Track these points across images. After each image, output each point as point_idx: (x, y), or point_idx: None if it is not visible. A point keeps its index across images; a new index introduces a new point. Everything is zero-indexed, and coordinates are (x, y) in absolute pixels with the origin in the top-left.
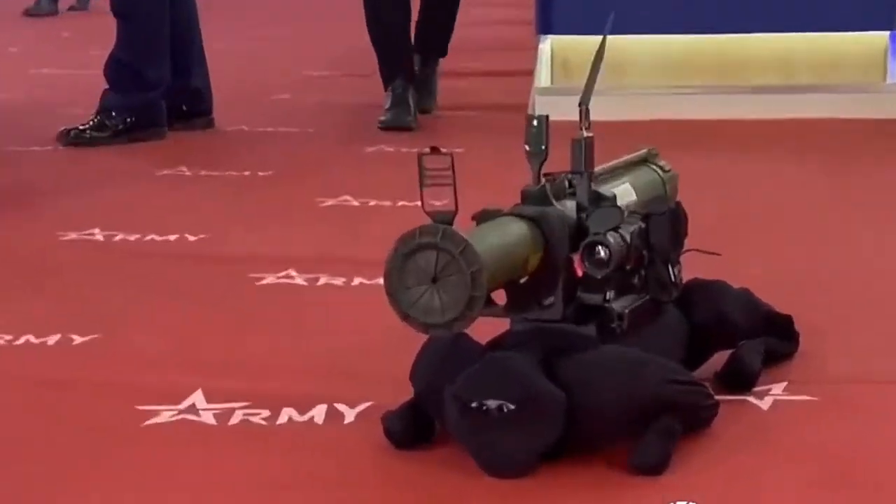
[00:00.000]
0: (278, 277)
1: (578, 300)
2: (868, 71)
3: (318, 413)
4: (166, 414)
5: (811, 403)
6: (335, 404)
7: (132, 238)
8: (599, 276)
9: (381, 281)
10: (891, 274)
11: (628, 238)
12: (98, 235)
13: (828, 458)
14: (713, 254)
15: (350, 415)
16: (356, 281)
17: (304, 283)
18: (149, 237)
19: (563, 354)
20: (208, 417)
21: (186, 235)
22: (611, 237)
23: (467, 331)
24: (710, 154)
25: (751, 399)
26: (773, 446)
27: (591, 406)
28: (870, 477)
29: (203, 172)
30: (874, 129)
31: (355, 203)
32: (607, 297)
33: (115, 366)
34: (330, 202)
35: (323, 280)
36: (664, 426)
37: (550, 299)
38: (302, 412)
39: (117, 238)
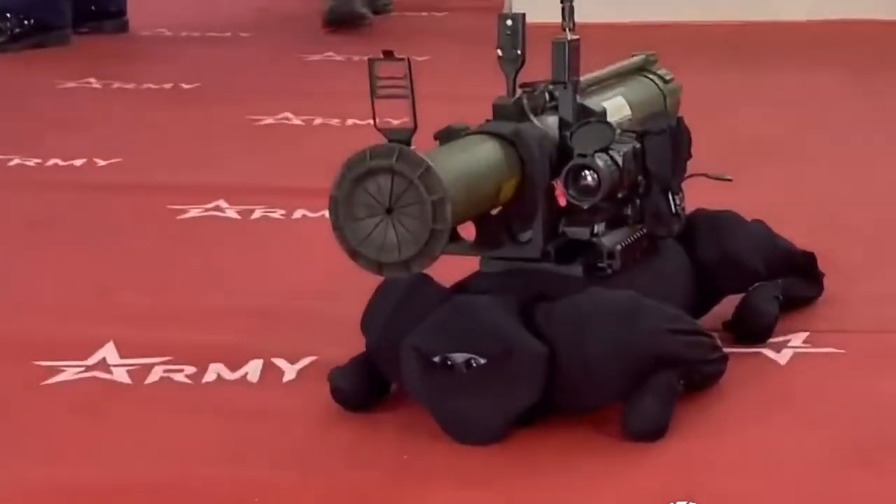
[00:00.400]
0: (205, 210)
1: (561, 235)
2: None
3: (253, 370)
4: (71, 371)
5: (837, 357)
6: (272, 359)
7: (31, 163)
8: (586, 206)
9: (326, 213)
10: None
11: (620, 161)
12: None
13: (857, 421)
14: (723, 179)
15: (290, 371)
16: (297, 213)
17: (237, 217)
18: (51, 162)
19: (543, 300)
20: (121, 375)
21: (95, 160)
22: (600, 160)
23: (429, 272)
24: (718, 63)
25: (766, 352)
26: (792, 408)
27: (577, 361)
28: None
29: (115, 85)
30: None
31: (297, 121)
32: (595, 231)
33: (10, 315)
34: (267, 120)
35: (258, 213)
36: (662, 384)
37: (528, 234)
38: (233, 369)
39: (12, 163)
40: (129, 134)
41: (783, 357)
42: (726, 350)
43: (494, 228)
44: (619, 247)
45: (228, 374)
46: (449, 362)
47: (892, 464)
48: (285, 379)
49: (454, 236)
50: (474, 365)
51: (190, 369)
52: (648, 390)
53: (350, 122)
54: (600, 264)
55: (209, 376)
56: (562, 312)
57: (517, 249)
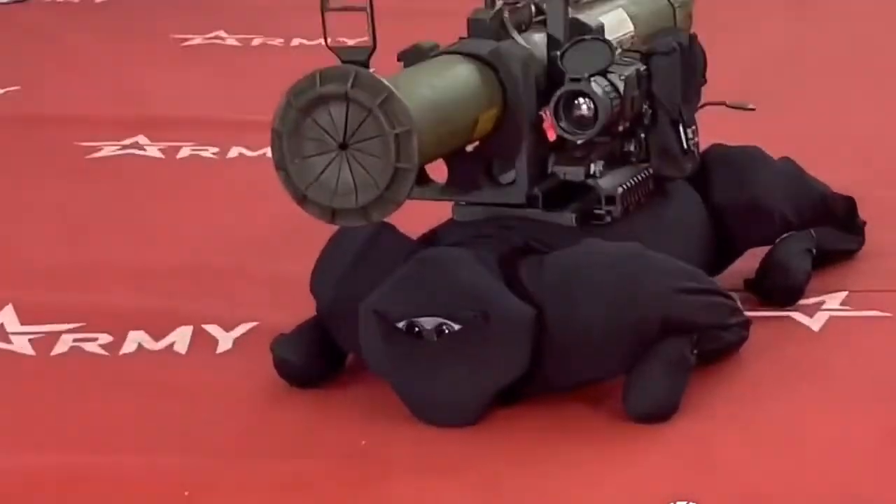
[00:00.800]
0: (122, 147)
1: (551, 176)
2: None
3: (181, 338)
4: None
5: (880, 321)
6: (204, 326)
7: None
8: (580, 142)
9: (267, 150)
10: None
11: (621, 86)
12: None
13: None
14: (745, 109)
15: (225, 340)
16: (233, 151)
17: (159, 156)
18: None
19: (528, 254)
20: (23, 345)
21: None
22: (596, 85)
23: (391, 220)
24: None
25: (796, 316)
26: (826, 382)
27: (570, 326)
28: None
29: None
30: None
31: (231, 41)
32: (592, 172)
33: None
34: (195, 40)
35: (186, 151)
36: (672, 354)
37: (510, 175)
38: (157, 337)
39: None
40: (29, 57)
41: (816, 322)
42: (748, 313)
43: (470, 168)
44: (619, 189)
45: (151, 344)
46: (416, 329)
47: None
48: (219, 349)
49: (422, 177)
50: (446, 332)
51: (105, 338)
52: (655, 362)
53: (296, 41)
54: (597, 210)
55: (128, 346)
56: (551, 268)
57: (497, 193)
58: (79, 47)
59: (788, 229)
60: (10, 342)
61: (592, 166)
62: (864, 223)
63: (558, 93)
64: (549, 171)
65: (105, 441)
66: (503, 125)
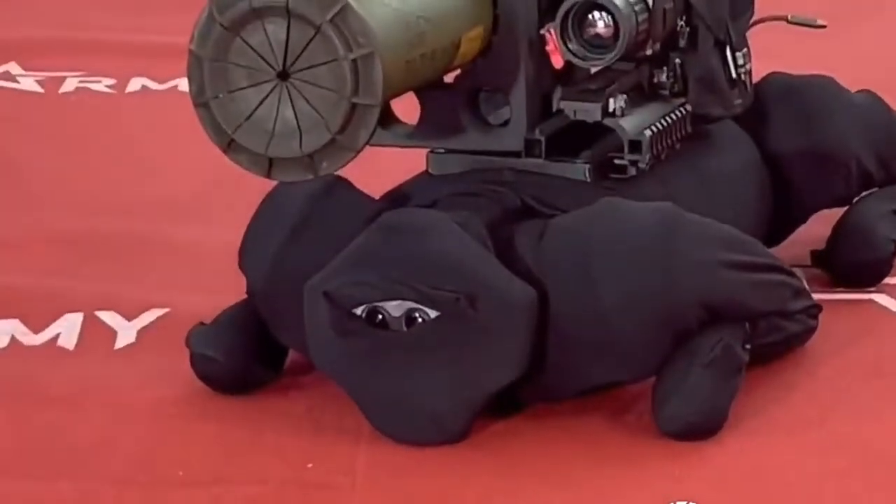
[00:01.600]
0: None
1: (557, 115)
2: None
3: (67, 329)
4: None
5: None
6: (97, 313)
7: None
8: (596, 69)
9: (181, 82)
10: None
11: None
12: None
13: None
14: (813, 26)
15: (126, 332)
16: (134, 83)
17: (37, 89)
18: None
19: (528, 217)
20: None
21: None
22: None
23: (346, 174)
24: None
25: (880, 299)
26: None
27: (584, 313)
28: None
29: None
30: None
31: None
32: (611, 109)
33: None
34: None
35: (72, 83)
36: (717, 349)
37: (503, 113)
38: (36, 328)
39: None
40: None
41: None
42: (817, 296)
43: (451, 105)
44: (647, 133)
45: (28, 337)
46: (380, 316)
47: None
48: (119, 343)
49: (387, 117)
50: (420, 320)
51: None
52: (695, 360)
53: None
54: (618, 161)
55: (0, 340)
56: (558, 237)
57: (486, 137)
58: None
59: (869, 185)
60: None
61: (612, 102)
62: None
63: (567, 4)
64: (555, 108)
65: None
66: (493, 47)
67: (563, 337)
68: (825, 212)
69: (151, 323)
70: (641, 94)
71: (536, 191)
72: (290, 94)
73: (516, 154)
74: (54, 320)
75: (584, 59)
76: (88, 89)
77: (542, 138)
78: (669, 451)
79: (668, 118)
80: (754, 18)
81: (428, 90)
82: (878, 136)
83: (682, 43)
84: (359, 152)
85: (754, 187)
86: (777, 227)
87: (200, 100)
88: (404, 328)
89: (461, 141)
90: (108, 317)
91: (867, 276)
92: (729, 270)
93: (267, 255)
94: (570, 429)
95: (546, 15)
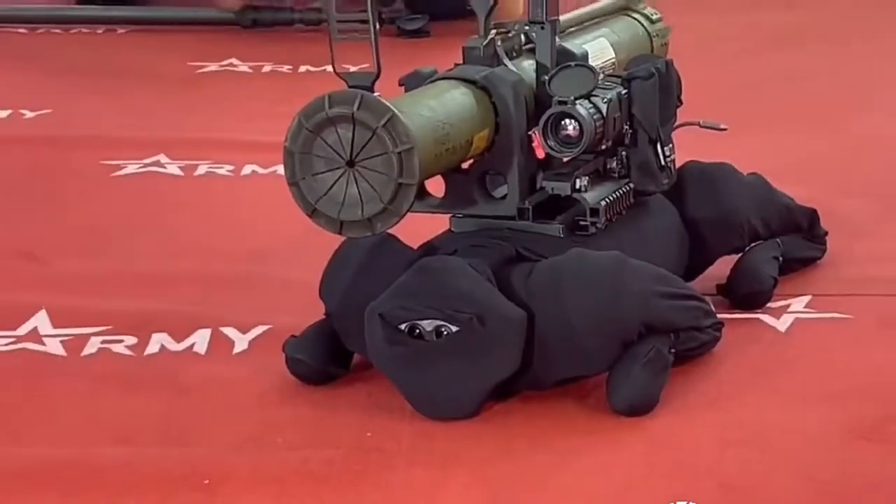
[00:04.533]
0: (144, 166)
1: (540, 191)
2: None
3: (200, 340)
4: (0, 342)
5: (841, 323)
6: (221, 329)
7: None
8: (566, 159)
9: (279, 168)
10: None
11: (604, 109)
12: None
13: (862, 394)
14: (717, 129)
15: (241, 342)
16: (247, 169)
17: (179, 173)
18: None
19: (520, 262)
20: (55, 346)
21: (22, 111)
22: (581, 107)
23: (394, 232)
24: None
25: (764, 318)
26: (792, 380)
27: (558, 328)
28: None
29: (41, 29)
30: None
31: (244, 68)
32: (577, 186)
33: None
34: (211, 67)
35: (203, 168)
36: (651, 353)
37: (502, 189)
38: (178, 339)
39: None
40: (60, 83)
41: (783, 323)
42: (721, 316)
43: (466, 184)
44: (602, 202)
45: (173, 345)
46: (417, 331)
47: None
48: (236, 350)
49: (422, 192)
50: (445, 333)
51: (131, 340)
52: (636, 360)
53: (303, 68)
54: (582, 222)
55: (152, 347)
56: (541, 275)
57: (491, 206)
58: (103, 74)
59: (757, 239)
60: (43, 344)
61: (578, 181)
62: (826, 233)
63: (547, 114)
64: (539, 186)
65: (129, 434)
66: (496, 144)
67: (544, 345)
68: (726, 258)
69: (259, 335)
70: (598, 177)
71: (525, 243)
72: (355, 177)
73: (512, 218)
74: (191, 333)
75: (558, 151)
76: (214, 173)
77: (530, 207)
78: (619, 423)
79: (617, 193)
80: (676, 123)
81: (450, 174)
82: (762, 204)
83: (626, 141)
84: (403, 217)
85: (677, 240)
86: (692, 268)
87: (293, 181)
88: (434, 339)
89: (473, 209)
90: (229, 331)
91: (755, 303)
92: (661, 298)
93: (339, 288)
94: (549, 408)
95: (532, 121)
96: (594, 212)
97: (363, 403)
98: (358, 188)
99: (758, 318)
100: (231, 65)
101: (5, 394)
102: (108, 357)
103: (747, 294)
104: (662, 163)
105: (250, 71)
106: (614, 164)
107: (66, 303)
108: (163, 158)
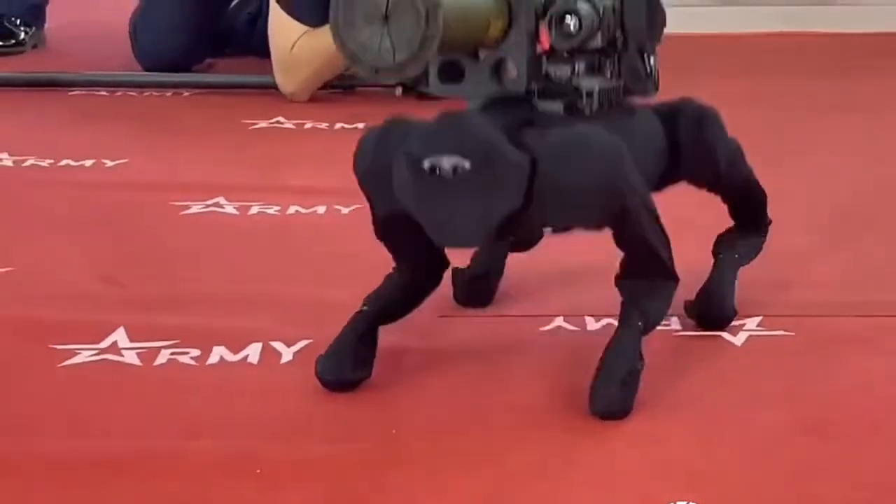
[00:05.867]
0: (206, 206)
1: (544, 77)
2: None
3: (253, 352)
4: (85, 354)
5: (786, 339)
6: (271, 342)
7: (44, 164)
8: (567, 49)
9: (318, 209)
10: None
11: (601, 11)
12: (6, 161)
13: (804, 397)
14: None
15: (287, 354)
16: (291, 209)
17: (235, 213)
18: (63, 163)
19: (527, 125)
20: (132, 357)
21: (104, 161)
22: (582, 6)
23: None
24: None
25: (724, 335)
26: (746, 386)
27: (557, 181)
28: (852, 422)
29: (119, 92)
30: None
31: (289, 125)
32: (575, 71)
33: (29, 301)
34: (261, 124)
35: (255, 208)
36: (625, 368)
37: (514, 71)
38: (235, 351)
39: (27, 163)
40: (137, 137)
41: (739, 339)
42: (687, 333)
43: (481, 71)
44: (596, 87)
45: (230, 356)
46: (437, 169)
47: (834, 430)
48: (283, 360)
49: (452, 70)
50: (460, 170)
51: (195, 352)
52: (612, 375)
53: (338, 126)
54: (579, 105)
55: (213, 358)
56: (554, 136)
57: (503, 88)
58: (171, 130)
59: (719, 181)
60: (122, 356)
61: (576, 66)
62: (770, 221)
63: (552, 10)
64: (543, 72)
65: (193, 431)
66: (508, 36)
67: (541, 191)
68: (694, 279)
69: (302, 348)
70: (593, 71)
71: (532, 116)
72: (388, 31)
73: (521, 97)
74: (246, 346)
75: (560, 43)
76: (265, 212)
77: (535, 88)
78: (598, 424)
79: (608, 85)
80: (659, 41)
81: (468, 63)
82: (734, 161)
83: (619, 46)
84: (428, 62)
85: (657, 151)
86: (660, 182)
87: (338, 30)
88: (451, 175)
89: (487, 91)
90: (277, 345)
91: (718, 326)
92: (645, 204)
93: (369, 151)
94: (535, 411)
95: (539, 18)
96: (589, 94)
97: (389, 407)
98: (391, 39)
99: (719, 335)
100: (278, 122)
101: (91, 396)
102: (176, 367)
103: (714, 319)
104: (648, 70)
105: (294, 127)
106: (607, 63)
107: (141, 321)
108: (222, 200)
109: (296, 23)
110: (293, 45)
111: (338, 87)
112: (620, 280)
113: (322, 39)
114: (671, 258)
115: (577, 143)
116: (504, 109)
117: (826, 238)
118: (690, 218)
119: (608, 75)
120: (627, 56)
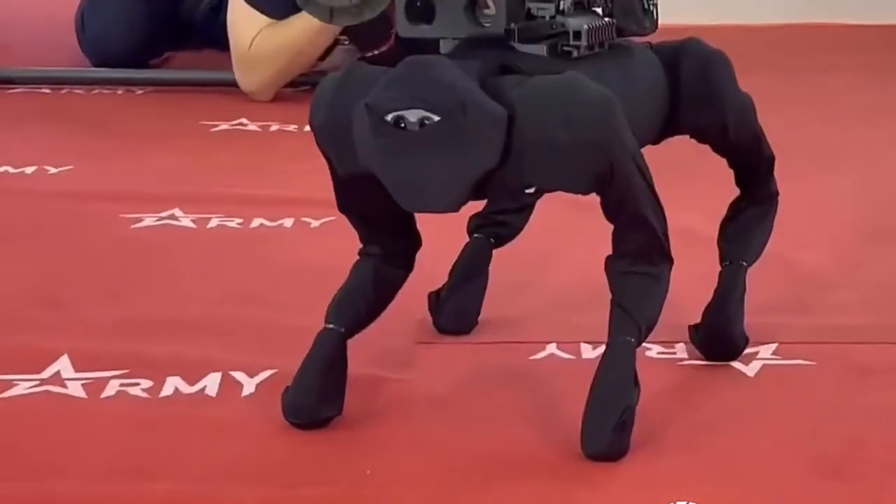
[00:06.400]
0: (160, 218)
1: (527, 16)
2: None
3: (211, 383)
4: (24, 385)
5: (804, 369)
6: (231, 372)
7: None
8: None
9: (285, 222)
10: None
11: None
12: None
13: (824, 433)
14: None
15: (249, 385)
16: (255, 222)
17: (192, 226)
18: (1, 169)
19: (506, 72)
20: (77, 389)
21: (46, 167)
22: None
23: None
24: None
25: (735, 364)
26: (761, 421)
27: (538, 138)
28: (875, 462)
29: (64, 90)
30: None
31: (253, 127)
32: (561, 8)
33: None
34: (222, 126)
35: (215, 221)
36: (625, 416)
37: (490, 9)
38: (191, 382)
39: None
40: (82, 140)
41: (752, 369)
42: (693, 361)
43: (455, 9)
44: (585, 27)
45: (186, 388)
46: (402, 123)
47: (857, 471)
48: (244, 392)
49: (418, 10)
50: (427, 123)
51: (146, 383)
52: (607, 414)
53: (306, 128)
54: (566, 47)
55: (166, 390)
56: (532, 88)
57: (479, 30)
58: (122, 132)
59: (726, 136)
60: (65, 387)
61: (562, 3)
62: (778, 192)
63: None
64: (525, 10)
65: (145, 471)
66: None
67: (520, 149)
68: (699, 300)
69: (266, 378)
70: (582, 9)
71: (511, 59)
72: None
73: (499, 38)
74: (203, 377)
75: None
76: (226, 226)
77: (516, 28)
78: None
79: (599, 24)
80: None
81: (442, 0)
82: (743, 115)
83: None
84: (387, 3)
85: (658, 95)
86: (662, 130)
87: None
88: (417, 129)
89: (462, 32)
90: (238, 375)
91: (727, 359)
92: (640, 169)
93: (327, 99)
94: (530, 449)
95: None
96: (576, 35)
97: (361, 444)
98: None
99: (729, 365)
100: (241, 124)
101: (30, 432)
102: (126, 399)
103: (722, 353)
104: (646, 6)
105: (258, 130)
106: (599, 2)
107: (87, 348)
108: (177, 212)
109: (257, 15)
110: (252, 42)
111: (306, 85)
112: (610, 263)
113: (286, 32)
114: (666, 234)
115: (561, 93)
116: (480, 53)
117: (848, 258)
118: (694, 229)
119: (599, 12)
120: None
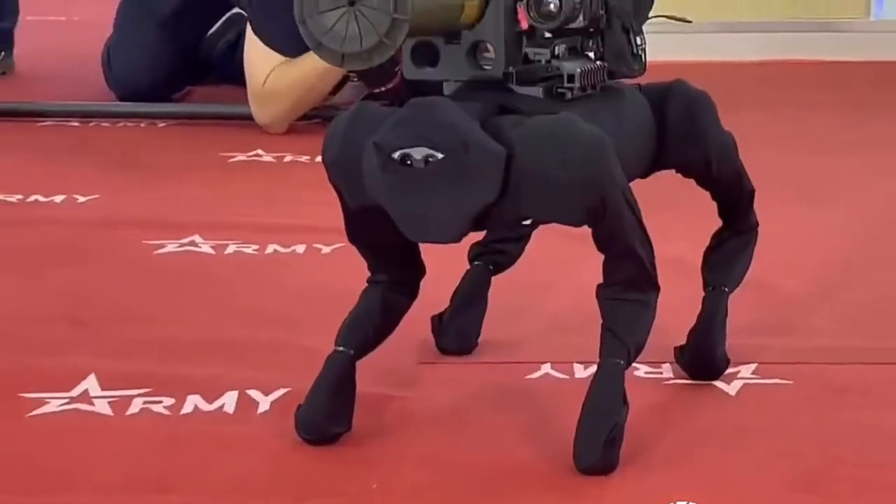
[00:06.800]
0: (181, 245)
1: (524, 60)
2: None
3: (229, 401)
4: (55, 403)
5: (782, 388)
6: (247, 391)
7: (13, 199)
8: (547, 31)
9: (298, 249)
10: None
11: None
12: None
13: (803, 450)
14: (683, 20)
15: (264, 403)
16: (270, 248)
17: (211, 252)
18: (32, 199)
19: (505, 112)
20: (103, 406)
21: (75, 196)
22: None
23: None
24: None
25: (716, 383)
26: (742, 438)
27: (534, 175)
28: (850, 479)
29: (92, 122)
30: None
31: (269, 158)
32: (556, 53)
33: None
34: (239, 157)
35: (232, 247)
36: (614, 432)
37: (490, 53)
38: (210, 400)
39: None
40: (108, 171)
41: (733, 388)
42: (679, 382)
43: (458, 53)
44: (578, 70)
45: (205, 406)
46: (408, 160)
47: (835, 488)
48: (260, 410)
49: (425, 52)
50: (432, 160)
51: (169, 400)
52: (597, 432)
53: (318, 159)
54: (560, 89)
55: (187, 407)
56: (530, 129)
57: (479, 73)
58: (145, 163)
59: (709, 170)
60: (92, 404)
61: (557, 48)
62: (758, 224)
63: None
64: (522, 54)
65: (165, 485)
66: (485, 16)
67: (518, 183)
68: (684, 323)
69: (280, 397)
70: (576, 54)
71: (510, 100)
72: (355, 15)
73: (498, 80)
74: (221, 395)
75: (540, 24)
76: (242, 252)
77: (514, 71)
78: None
79: (591, 67)
80: (648, 18)
81: (443, 45)
82: (726, 153)
83: (602, 25)
84: (396, 48)
85: (646, 134)
86: (650, 167)
87: (301, 19)
88: (423, 166)
89: (464, 75)
90: (254, 393)
91: (710, 378)
92: (628, 203)
93: (338, 137)
94: (526, 466)
95: None
96: (570, 78)
97: (369, 459)
98: (358, 24)
99: (712, 384)
100: (257, 155)
101: (59, 448)
102: (149, 416)
103: (704, 373)
104: (634, 50)
105: (273, 160)
106: (590, 45)
107: (113, 368)
108: (197, 238)
109: (271, 53)
110: (266, 79)
111: (318, 118)
112: (601, 290)
113: (298, 70)
114: (653, 263)
115: (557, 133)
116: (480, 95)
117: (825, 283)
118: (680, 257)
119: (591, 56)
120: (611, 35)
